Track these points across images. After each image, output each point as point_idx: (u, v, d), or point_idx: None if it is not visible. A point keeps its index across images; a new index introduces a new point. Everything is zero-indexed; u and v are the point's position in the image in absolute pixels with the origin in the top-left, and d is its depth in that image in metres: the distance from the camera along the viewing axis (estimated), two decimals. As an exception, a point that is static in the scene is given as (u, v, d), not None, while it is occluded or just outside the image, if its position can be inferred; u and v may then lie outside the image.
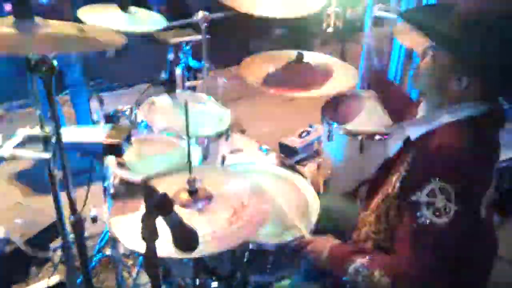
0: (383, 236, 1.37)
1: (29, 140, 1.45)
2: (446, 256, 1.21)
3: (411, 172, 1.29)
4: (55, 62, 1.12)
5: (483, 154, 1.22)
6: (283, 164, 2.28)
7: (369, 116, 2.39)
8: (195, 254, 1.16)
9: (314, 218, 1.75)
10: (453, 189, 1.14)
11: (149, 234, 0.99)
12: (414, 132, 1.32)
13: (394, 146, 1.48)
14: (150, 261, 1.04)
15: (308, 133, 3.86)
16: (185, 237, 1.08)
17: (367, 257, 1.31)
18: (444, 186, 1.14)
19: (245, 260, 1.70)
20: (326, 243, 1.48)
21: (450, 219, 1.15)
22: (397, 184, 1.33)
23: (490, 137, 1.27)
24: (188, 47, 3.56)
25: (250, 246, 1.66)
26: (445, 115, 1.26)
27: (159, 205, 0.98)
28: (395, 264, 1.25)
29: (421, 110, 1.41)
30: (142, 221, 0.98)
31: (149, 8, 2.56)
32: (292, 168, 2.19)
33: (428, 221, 1.17)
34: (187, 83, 3.46)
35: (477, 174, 1.19)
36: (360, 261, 1.30)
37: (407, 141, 1.40)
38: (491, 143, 1.27)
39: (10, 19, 1.15)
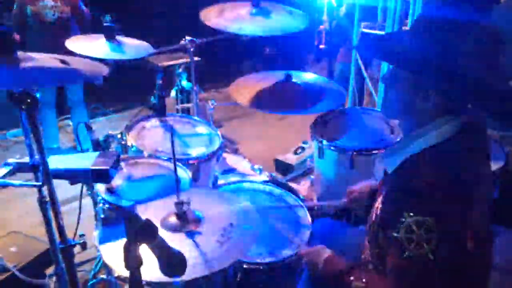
0: (376, 260, 1.36)
1: (19, 169, 1.47)
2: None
3: (385, 205, 1.28)
4: (37, 95, 1.15)
5: (457, 181, 1.19)
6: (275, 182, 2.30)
7: (359, 132, 2.41)
8: (185, 277, 1.16)
9: (306, 236, 1.77)
10: (432, 220, 1.13)
11: (133, 262, 0.99)
12: (389, 165, 1.31)
13: (379, 175, 1.49)
14: None
15: (303, 149, 3.89)
16: (172, 262, 1.09)
17: (363, 280, 1.32)
18: (419, 219, 1.14)
19: (237, 280, 1.70)
20: (320, 255, 1.49)
21: (434, 248, 1.14)
22: (378, 214, 1.33)
23: (464, 161, 1.24)
24: (180, 70, 3.62)
25: (243, 266, 1.67)
26: (417, 140, 1.26)
27: (142, 232, 0.99)
28: None
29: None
30: (125, 249, 0.99)
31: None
32: (284, 186, 2.21)
33: (412, 254, 1.15)
34: (180, 106, 3.51)
35: (452, 202, 1.16)
36: (357, 285, 1.32)
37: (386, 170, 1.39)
38: (465, 167, 1.23)
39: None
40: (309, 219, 1.88)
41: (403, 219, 1.16)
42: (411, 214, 1.15)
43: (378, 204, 1.34)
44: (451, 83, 1.19)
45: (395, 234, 1.18)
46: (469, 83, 1.18)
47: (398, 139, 2.27)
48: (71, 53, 2.03)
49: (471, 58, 1.17)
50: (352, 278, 1.33)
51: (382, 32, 3.54)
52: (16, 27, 3.57)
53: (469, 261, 1.22)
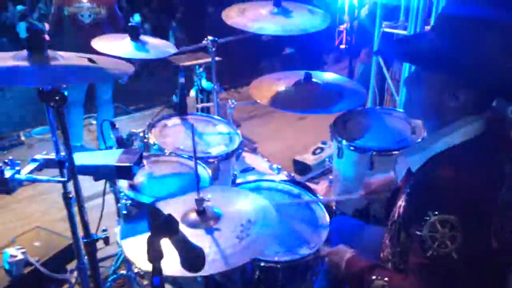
0: (398, 259, 1.37)
1: (45, 165, 1.52)
2: (458, 286, 1.19)
3: (409, 204, 1.28)
4: (66, 93, 1.18)
5: (481, 180, 1.18)
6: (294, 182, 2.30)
7: (379, 132, 2.40)
8: (204, 272, 1.18)
9: (324, 235, 1.77)
10: (456, 218, 1.13)
11: (155, 255, 1.02)
12: (414, 163, 1.31)
13: (400, 173, 1.49)
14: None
15: (322, 149, 3.89)
16: (192, 257, 1.11)
17: (386, 279, 1.31)
18: (444, 217, 1.14)
19: (255, 277, 1.71)
20: (342, 256, 1.49)
21: (458, 247, 1.13)
22: (400, 213, 1.33)
23: (489, 160, 1.23)
24: (201, 70, 3.66)
25: (261, 264, 1.68)
26: (441, 139, 1.26)
27: (164, 226, 1.01)
28: None
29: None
30: (148, 242, 1.02)
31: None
32: (303, 185, 2.21)
33: (435, 253, 1.16)
34: (200, 105, 3.55)
35: (476, 201, 1.16)
36: (378, 283, 1.31)
37: (409, 169, 1.38)
38: (490, 166, 1.22)
39: (23, 52, 1.22)
40: (327, 218, 1.88)
41: (427, 218, 1.16)
42: (436, 212, 1.15)
43: (401, 202, 1.34)
44: (480, 81, 1.18)
45: (418, 233, 1.18)
46: (499, 80, 1.17)
47: (419, 140, 2.25)
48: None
49: (499, 55, 1.16)
50: (373, 277, 1.33)
51: (405, 32, 3.51)
52: (52, 27, 3.65)
53: (493, 259, 1.21)
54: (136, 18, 2.54)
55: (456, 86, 1.21)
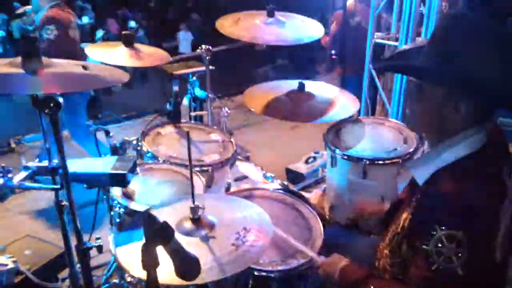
0: (397, 269, 1.36)
1: (38, 173, 1.50)
2: None
3: (416, 217, 1.28)
4: (60, 99, 1.18)
5: (486, 194, 1.19)
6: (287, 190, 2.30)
7: (372, 142, 2.41)
8: (199, 281, 1.18)
9: (318, 244, 1.77)
10: (463, 234, 1.13)
11: (150, 263, 1.02)
12: (420, 176, 1.32)
13: (401, 185, 1.49)
14: (152, 289, 1.06)
15: (315, 159, 3.90)
16: (187, 265, 1.11)
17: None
18: (451, 233, 1.14)
19: (249, 287, 1.70)
20: (336, 266, 1.49)
21: (463, 263, 1.14)
22: (405, 225, 1.33)
23: (492, 173, 1.24)
24: (194, 78, 3.67)
25: (254, 273, 1.67)
26: (446, 152, 1.27)
27: (159, 234, 1.01)
28: None
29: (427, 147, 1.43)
30: (143, 250, 1.01)
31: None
32: (296, 194, 2.21)
33: (440, 267, 1.16)
34: (193, 113, 3.55)
35: (483, 216, 1.17)
36: None
37: (414, 181, 1.38)
38: (493, 180, 1.23)
39: (18, 59, 1.22)
40: (321, 228, 1.88)
41: (434, 232, 1.16)
42: (443, 227, 1.15)
43: (406, 214, 1.34)
44: (481, 93, 1.20)
45: (424, 247, 1.18)
46: (498, 91, 1.19)
47: (411, 150, 2.27)
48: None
49: (497, 66, 1.18)
50: (371, 287, 1.33)
51: (396, 43, 3.56)
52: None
53: (495, 273, 1.21)
54: (132, 24, 2.54)
55: (457, 98, 1.22)
